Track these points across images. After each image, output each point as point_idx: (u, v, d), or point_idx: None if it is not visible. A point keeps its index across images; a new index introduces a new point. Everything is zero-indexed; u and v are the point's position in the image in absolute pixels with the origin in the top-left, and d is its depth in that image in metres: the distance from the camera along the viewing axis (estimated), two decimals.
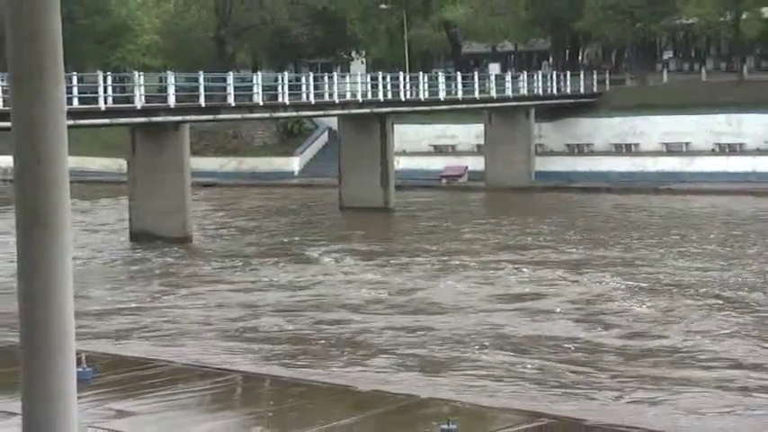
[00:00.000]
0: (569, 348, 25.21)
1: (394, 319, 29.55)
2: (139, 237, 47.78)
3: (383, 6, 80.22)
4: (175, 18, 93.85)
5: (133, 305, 32.61)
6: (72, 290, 4.81)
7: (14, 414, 12.58)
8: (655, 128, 68.95)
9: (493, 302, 31.80)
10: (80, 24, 78.77)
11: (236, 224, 55.16)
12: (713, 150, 66.91)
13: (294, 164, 79.14)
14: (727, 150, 66.36)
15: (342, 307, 31.46)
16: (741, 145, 66.11)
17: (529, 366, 23.52)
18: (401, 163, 63.06)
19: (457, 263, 39.53)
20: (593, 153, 70.32)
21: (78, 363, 5.20)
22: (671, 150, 68.07)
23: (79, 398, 4.50)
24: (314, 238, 48.61)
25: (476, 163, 70.13)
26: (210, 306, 32.48)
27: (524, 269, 37.36)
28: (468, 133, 72.46)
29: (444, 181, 70.47)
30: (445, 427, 13.75)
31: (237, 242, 48.45)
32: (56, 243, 4.65)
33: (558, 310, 29.87)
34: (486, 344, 25.75)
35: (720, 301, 30.53)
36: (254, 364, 22.62)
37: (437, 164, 72.38)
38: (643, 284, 33.71)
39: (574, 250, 41.99)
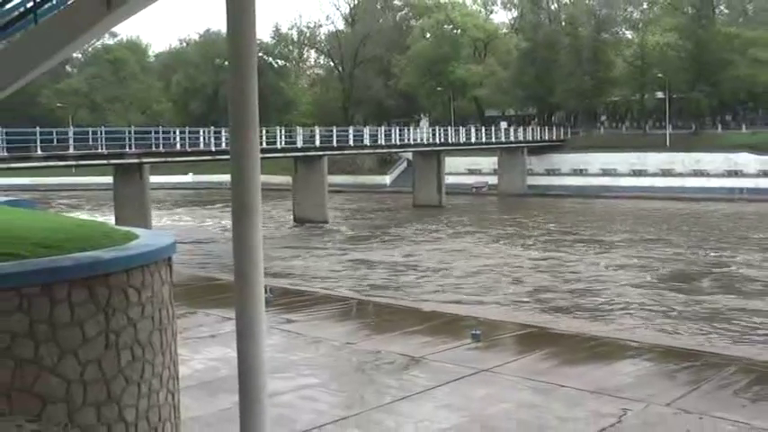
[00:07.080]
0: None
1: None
2: (299, 220, 48.10)
3: (439, 89, 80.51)
4: (320, 96, 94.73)
5: (296, 257, 32.62)
6: (262, 249, 4.85)
7: (230, 318, 12.68)
8: (596, 160, 68.00)
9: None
10: (267, 99, 79.22)
11: (357, 214, 55.04)
12: (629, 173, 65.96)
13: (387, 179, 78.99)
14: (637, 173, 65.46)
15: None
16: (645, 170, 65.35)
17: None
18: (448, 179, 62.57)
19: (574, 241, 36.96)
20: (560, 174, 69.38)
21: (265, 291, 5.26)
22: (605, 173, 67.05)
23: (265, 311, 4.53)
24: (414, 222, 47.20)
25: (492, 179, 69.72)
26: (343, 260, 31.92)
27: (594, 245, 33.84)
28: (488, 162, 71.63)
29: (474, 190, 69.88)
30: (474, 332, 13.64)
31: (361, 224, 48.15)
32: (253, 224, 4.70)
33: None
34: None
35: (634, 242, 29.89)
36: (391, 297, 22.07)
37: (469, 180, 71.71)
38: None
39: (584, 231, 40.73)
